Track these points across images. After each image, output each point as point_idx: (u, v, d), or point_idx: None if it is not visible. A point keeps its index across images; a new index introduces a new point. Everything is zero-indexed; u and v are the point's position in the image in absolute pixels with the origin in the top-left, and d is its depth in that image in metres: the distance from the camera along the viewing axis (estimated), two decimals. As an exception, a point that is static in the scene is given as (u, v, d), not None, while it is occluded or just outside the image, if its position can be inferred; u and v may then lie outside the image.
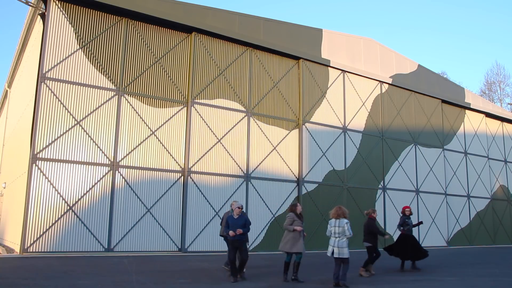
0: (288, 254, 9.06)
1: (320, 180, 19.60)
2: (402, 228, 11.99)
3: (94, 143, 14.56)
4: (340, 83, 21.23)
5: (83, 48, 14.83)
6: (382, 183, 21.86)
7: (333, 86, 20.91)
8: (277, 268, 11.09)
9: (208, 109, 16.99)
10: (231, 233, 8.95)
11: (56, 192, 13.69)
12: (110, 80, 15.17)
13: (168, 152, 15.94)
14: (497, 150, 29.49)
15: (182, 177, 16.09)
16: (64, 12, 14.67)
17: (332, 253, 8.76)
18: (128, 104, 15.41)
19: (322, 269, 11.67)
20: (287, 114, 19.13)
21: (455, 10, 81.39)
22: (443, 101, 26.02)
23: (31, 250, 13.02)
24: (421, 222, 13.38)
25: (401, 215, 12.18)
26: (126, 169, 15.01)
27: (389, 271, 11.58)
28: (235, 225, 9.01)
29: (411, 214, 12.39)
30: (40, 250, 13.17)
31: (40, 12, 14.90)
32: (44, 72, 14.04)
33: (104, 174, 14.57)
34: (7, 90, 24.77)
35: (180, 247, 15.58)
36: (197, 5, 16.96)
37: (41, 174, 13.54)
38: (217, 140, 17.02)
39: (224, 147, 17.13)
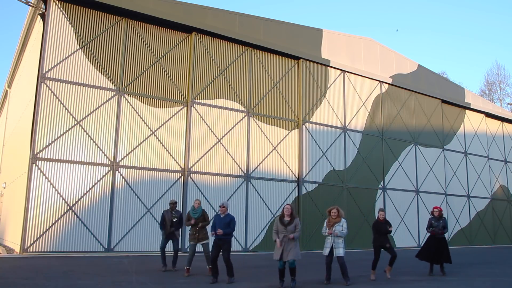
0: (280, 261, 8.60)
1: (320, 180, 19.60)
2: (430, 229, 11.12)
3: (94, 143, 14.56)
4: (340, 83, 21.23)
5: (83, 48, 14.83)
6: (382, 183, 21.86)
7: (333, 86, 20.91)
8: (277, 269, 11.05)
9: (208, 109, 17.00)
10: (213, 232, 9.02)
11: (56, 192, 13.69)
12: (110, 80, 15.17)
13: (168, 152, 15.94)
14: (497, 150, 29.48)
15: (182, 177, 16.09)
16: (64, 12, 14.67)
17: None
18: (128, 104, 15.41)
19: (321, 269, 11.64)
20: (287, 114, 19.13)
21: (455, 10, 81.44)
22: (443, 101, 26.02)
23: (31, 250, 13.02)
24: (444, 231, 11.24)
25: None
26: (126, 169, 15.01)
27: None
28: (220, 223, 9.05)
29: (440, 215, 11.06)
30: (40, 250, 13.17)
31: (40, 12, 14.90)
32: (44, 72, 14.04)
33: (104, 174, 14.57)
34: (7, 90, 24.77)
35: (180, 247, 15.57)
36: (197, 5, 16.96)
37: (41, 174, 13.54)
38: (217, 140, 17.02)
39: (224, 147, 17.13)
